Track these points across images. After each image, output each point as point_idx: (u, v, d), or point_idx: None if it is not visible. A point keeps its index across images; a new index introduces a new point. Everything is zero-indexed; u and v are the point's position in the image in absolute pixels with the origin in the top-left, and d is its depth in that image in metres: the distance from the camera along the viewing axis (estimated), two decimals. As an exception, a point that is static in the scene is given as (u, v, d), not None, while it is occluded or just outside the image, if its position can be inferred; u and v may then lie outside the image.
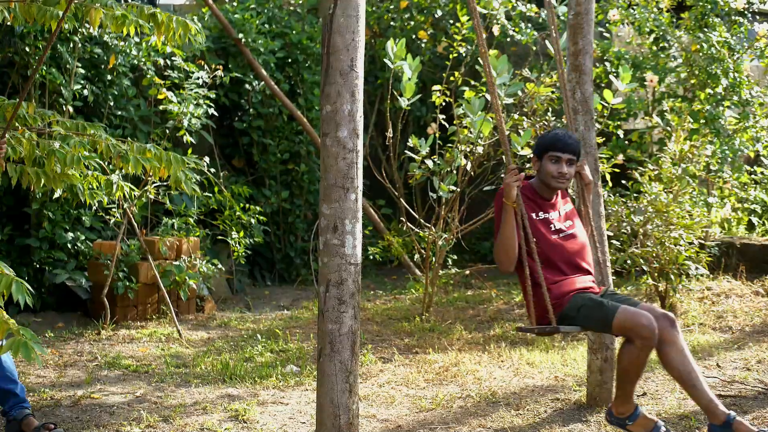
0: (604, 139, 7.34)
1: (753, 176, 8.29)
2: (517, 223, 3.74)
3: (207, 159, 6.47)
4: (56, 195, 6.40)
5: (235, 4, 9.03)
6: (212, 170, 6.84)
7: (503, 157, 6.82)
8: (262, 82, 8.26)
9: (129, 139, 4.72)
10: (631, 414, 3.73)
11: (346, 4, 3.37)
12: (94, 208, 6.81)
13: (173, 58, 7.41)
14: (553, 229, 3.88)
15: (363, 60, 3.45)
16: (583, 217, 4.04)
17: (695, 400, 3.64)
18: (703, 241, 6.93)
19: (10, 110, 4.40)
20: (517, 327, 4.41)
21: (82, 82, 6.86)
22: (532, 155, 4.10)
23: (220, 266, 7.13)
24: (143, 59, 7.22)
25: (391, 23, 9.42)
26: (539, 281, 3.72)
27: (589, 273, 3.90)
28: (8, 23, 4.28)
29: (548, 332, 3.74)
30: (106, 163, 4.92)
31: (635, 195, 6.78)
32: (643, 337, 3.52)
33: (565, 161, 3.87)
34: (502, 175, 7.07)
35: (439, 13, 9.39)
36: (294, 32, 8.73)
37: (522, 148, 6.34)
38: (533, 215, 3.86)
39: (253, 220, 7.35)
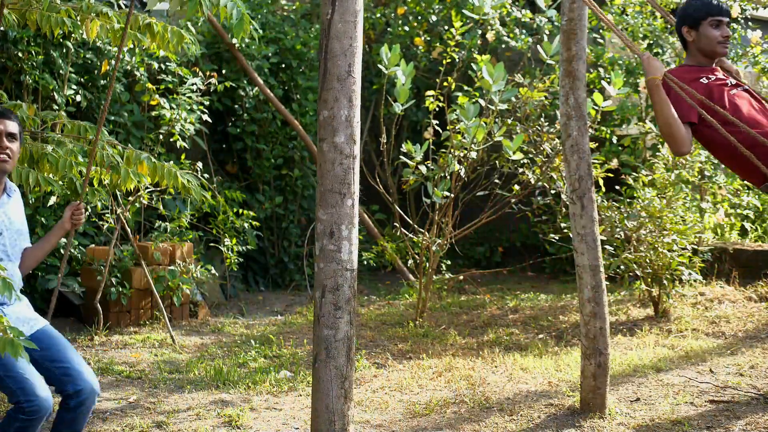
0: (597, 144, 7.36)
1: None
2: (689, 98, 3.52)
3: (200, 164, 6.47)
4: (50, 203, 6.41)
5: (228, 9, 9.01)
6: (205, 176, 6.82)
7: (497, 161, 6.86)
8: (256, 88, 8.26)
9: (129, 145, 4.70)
10: None
11: (344, 10, 3.37)
12: (87, 213, 6.80)
13: (167, 63, 7.41)
14: (730, 84, 3.72)
15: (361, 65, 3.45)
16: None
17: None
18: (696, 247, 6.95)
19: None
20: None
21: (75, 87, 6.85)
22: (681, 29, 3.84)
23: (213, 272, 7.11)
24: (136, 65, 7.22)
25: (388, 29, 9.43)
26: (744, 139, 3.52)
27: None
28: (2, 28, 4.27)
29: None
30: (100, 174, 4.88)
31: (629, 200, 6.80)
32: None
33: (726, 24, 3.76)
34: (496, 180, 7.12)
35: (434, 18, 9.41)
36: (288, 37, 8.73)
37: (514, 153, 6.34)
38: (703, 80, 3.71)
39: (246, 225, 7.34)
